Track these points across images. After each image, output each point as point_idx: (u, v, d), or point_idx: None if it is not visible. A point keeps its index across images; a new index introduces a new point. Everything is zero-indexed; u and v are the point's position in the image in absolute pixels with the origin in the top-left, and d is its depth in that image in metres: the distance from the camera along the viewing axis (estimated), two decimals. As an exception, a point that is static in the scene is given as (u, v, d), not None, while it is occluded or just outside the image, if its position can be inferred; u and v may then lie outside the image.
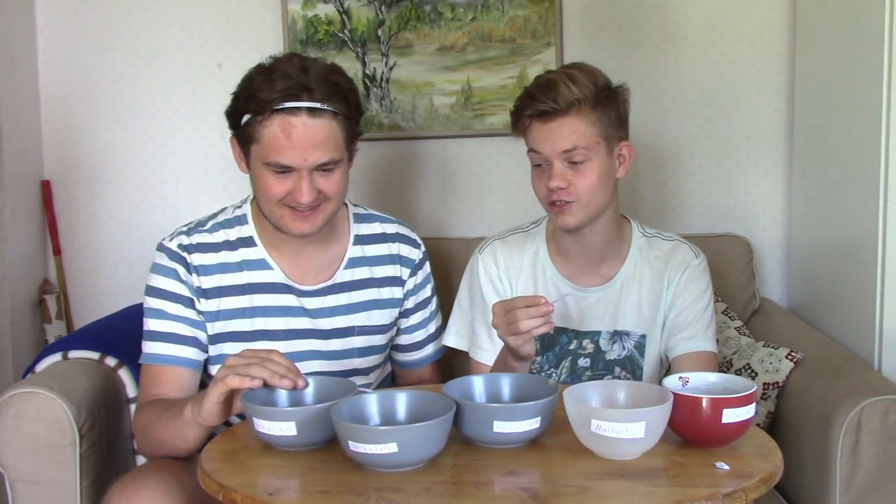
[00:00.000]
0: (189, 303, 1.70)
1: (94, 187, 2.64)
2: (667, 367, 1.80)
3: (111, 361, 1.91)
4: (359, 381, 1.77)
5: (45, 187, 2.62)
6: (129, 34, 2.58)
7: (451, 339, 1.88)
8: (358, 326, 1.77)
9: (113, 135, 2.62)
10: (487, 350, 1.79)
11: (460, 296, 1.88)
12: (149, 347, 1.70)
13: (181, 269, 1.70)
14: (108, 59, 2.59)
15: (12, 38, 2.51)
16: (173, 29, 2.57)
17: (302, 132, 1.56)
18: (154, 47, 2.58)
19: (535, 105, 1.65)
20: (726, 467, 1.24)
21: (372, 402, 1.36)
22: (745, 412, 1.30)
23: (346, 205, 1.83)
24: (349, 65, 2.51)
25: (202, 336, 1.72)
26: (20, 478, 1.71)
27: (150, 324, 1.71)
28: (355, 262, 1.79)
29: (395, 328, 1.86)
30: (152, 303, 1.71)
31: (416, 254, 1.86)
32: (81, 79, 2.61)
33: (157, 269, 1.72)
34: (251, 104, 1.58)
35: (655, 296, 1.77)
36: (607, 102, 1.66)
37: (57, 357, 1.90)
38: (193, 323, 1.71)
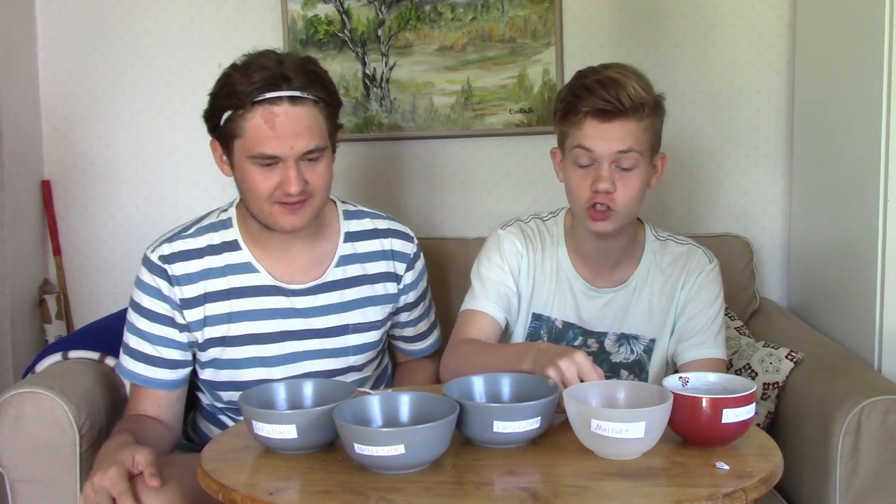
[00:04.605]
0: (170, 322, 1.70)
1: (94, 187, 2.64)
2: (673, 370, 1.79)
3: (111, 361, 1.90)
4: (354, 376, 1.77)
5: (45, 187, 2.62)
6: (129, 34, 2.59)
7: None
8: (353, 324, 1.76)
9: (113, 135, 2.62)
10: (483, 298, 1.75)
11: (478, 269, 1.80)
12: (127, 362, 1.71)
13: (164, 285, 1.68)
14: (108, 59, 2.60)
15: (12, 38, 2.51)
16: (173, 29, 2.57)
17: (285, 120, 1.56)
18: (154, 47, 2.58)
19: (594, 100, 1.58)
20: (726, 467, 1.24)
21: (374, 404, 1.35)
22: (745, 412, 1.30)
23: (335, 202, 1.82)
24: (349, 65, 2.51)
25: (182, 355, 1.72)
26: (20, 478, 1.71)
27: (131, 340, 1.71)
28: (346, 260, 1.78)
29: (389, 323, 1.85)
30: (133, 319, 1.71)
31: (410, 248, 1.85)
32: (81, 79, 2.61)
33: (139, 284, 1.71)
34: (231, 99, 1.57)
35: (667, 300, 1.76)
36: (659, 110, 1.65)
37: (57, 357, 1.90)
38: (174, 343, 1.70)
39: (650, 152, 1.65)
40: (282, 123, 1.56)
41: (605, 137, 1.60)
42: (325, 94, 1.61)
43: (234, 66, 1.61)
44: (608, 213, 1.63)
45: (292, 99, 1.56)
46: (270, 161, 1.58)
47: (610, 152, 1.60)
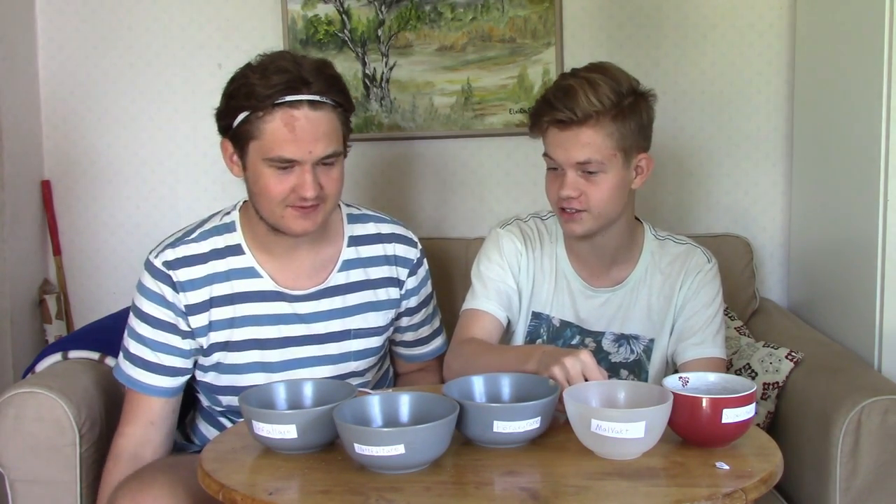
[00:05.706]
0: (173, 328, 1.68)
1: (94, 187, 2.64)
2: (672, 370, 1.79)
3: (111, 361, 1.90)
4: (355, 381, 1.76)
5: (45, 187, 2.62)
6: (129, 34, 2.59)
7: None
8: (354, 330, 1.75)
9: (113, 135, 2.62)
10: (483, 297, 1.76)
11: (477, 269, 1.81)
12: (126, 367, 1.71)
13: (168, 291, 1.67)
14: (108, 59, 2.60)
15: (12, 39, 2.51)
16: (173, 29, 2.57)
17: (305, 125, 1.56)
18: (154, 47, 2.58)
19: (552, 112, 1.62)
20: (726, 467, 1.24)
21: (374, 404, 1.35)
22: (745, 412, 1.30)
23: (340, 205, 1.81)
24: (349, 65, 2.51)
25: (183, 362, 1.71)
26: (20, 478, 1.72)
27: (131, 345, 1.70)
28: (350, 265, 1.77)
29: (392, 328, 1.85)
30: (134, 324, 1.70)
31: (413, 253, 1.84)
32: (81, 79, 2.61)
33: (142, 290, 1.70)
34: (250, 100, 1.56)
35: (666, 300, 1.76)
36: (629, 112, 1.63)
37: (57, 357, 1.90)
38: (175, 350, 1.69)
39: (622, 156, 1.64)
40: (301, 127, 1.56)
41: (563, 146, 1.63)
42: (342, 99, 1.62)
43: (249, 67, 1.61)
44: (577, 215, 1.66)
45: (312, 103, 1.57)
46: (287, 164, 1.57)
47: (569, 161, 1.63)
